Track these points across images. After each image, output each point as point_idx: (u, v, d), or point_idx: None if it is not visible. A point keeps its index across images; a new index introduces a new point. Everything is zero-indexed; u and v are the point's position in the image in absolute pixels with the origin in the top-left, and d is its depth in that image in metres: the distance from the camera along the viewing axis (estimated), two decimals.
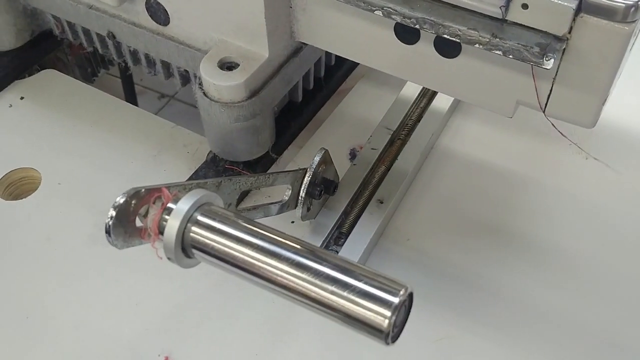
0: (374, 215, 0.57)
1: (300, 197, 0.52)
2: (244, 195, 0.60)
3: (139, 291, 0.54)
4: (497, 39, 0.42)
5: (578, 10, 0.41)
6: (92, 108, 0.70)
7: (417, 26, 0.45)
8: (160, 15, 0.60)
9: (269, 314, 0.52)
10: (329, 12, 0.52)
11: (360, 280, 0.31)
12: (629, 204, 0.60)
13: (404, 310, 0.32)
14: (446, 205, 0.60)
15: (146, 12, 0.60)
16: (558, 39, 0.42)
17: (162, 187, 0.36)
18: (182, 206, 0.35)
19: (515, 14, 0.43)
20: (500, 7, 0.43)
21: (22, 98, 0.72)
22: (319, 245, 0.55)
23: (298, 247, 0.33)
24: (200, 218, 0.35)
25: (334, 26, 0.53)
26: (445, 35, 0.44)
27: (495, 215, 0.59)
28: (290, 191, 0.51)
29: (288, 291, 0.32)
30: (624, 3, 0.40)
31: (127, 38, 0.64)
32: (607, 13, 0.40)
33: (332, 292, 0.31)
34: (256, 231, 0.34)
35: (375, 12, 0.46)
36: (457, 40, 0.44)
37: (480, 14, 0.44)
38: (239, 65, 0.55)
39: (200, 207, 0.36)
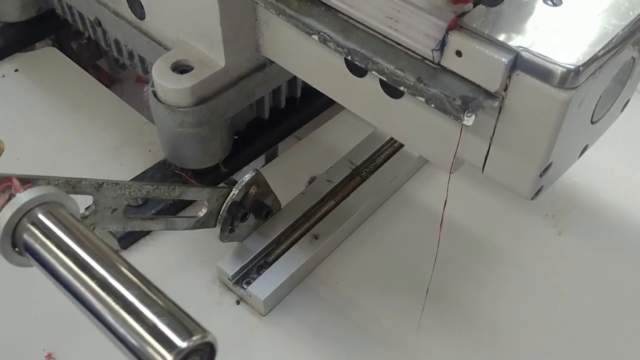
0: (304, 250, 0.53)
1: (219, 217, 0.49)
2: (186, 203, 0.57)
3: (23, 286, 0.52)
4: (422, 84, 0.38)
5: (513, 67, 0.37)
6: (77, 92, 0.70)
7: (348, 57, 0.42)
8: (137, 8, 0.58)
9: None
10: (288, 30, 0.49)
11: (157, 315, 0.28)
12: (593, 299, 0.54)
13: None
14: (390, 256, 0.56)
15: (126, 3, 0.59)
16: (490, 95, 0.38)
17: (12, 177, 0.34)
18: (20, 198, 0.33)
19: (450, 61, 0.39)
20: (432, 50, 0.39)
21: (16, 70, 0.73)
22: (236, 270, 0.52)
23: (114, 269, 0.30)
24: (40, 217, 0.33)
25: (293, 46, 0.50)
26: (373, 72, 0.41)
27: (440, 277, 0.54)
28: (206, 208, 0.49)
29: (87, 310, 0.30)
30: (563, 66, 0.35)
31: (110, 27, 0.64)
32: (544, 75, 0.36)
33: (124, 322, 0.28)
34: (84, 245, 0.32)
35: (313, 36, 0.43)
36: (384, 79, 0.40)
37: (417, 54, 0.40)
38: (193, 69, 0.53)
39: (46, 205, 0.34)
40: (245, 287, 0.51)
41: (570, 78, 0.35)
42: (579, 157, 0.45)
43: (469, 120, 0.37)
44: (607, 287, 0.54)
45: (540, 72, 0.36)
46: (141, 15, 0.59)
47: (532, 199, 0.42)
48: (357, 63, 0.41)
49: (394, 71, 0.39)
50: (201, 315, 0.51)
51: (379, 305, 0.52)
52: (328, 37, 0.42)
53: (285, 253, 0.53)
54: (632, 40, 0.38)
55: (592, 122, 0.42)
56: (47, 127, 0.66)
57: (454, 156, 0.43)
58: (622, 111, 0.48)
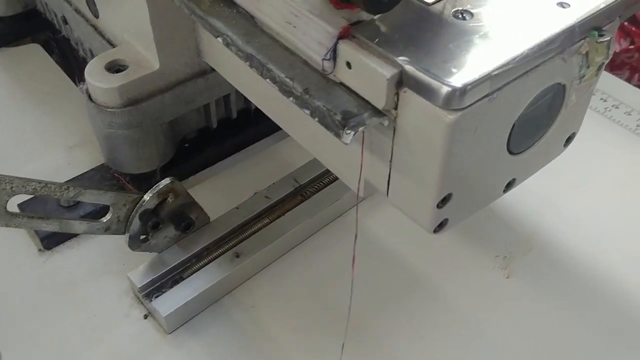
0: (222, 268, 0.50)
1: (128, 224, 0.47)
2: None
3: None
4: (307, 96, 0.35)
5: (400, 83, 0.33)
6: (46, 89, 0.70)
7: (247, 63, 0.39)
8: (91, 6, 0.57)
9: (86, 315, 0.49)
10: None
11: None
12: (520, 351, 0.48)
13: None
14: (318, 285, 0.52)
15: (85, 0, 0.58)
16: (378, 112, 0.34)
17: None
18: None
19: (341, 73, 0.35)
20: (322, 60, 0.35)
21: None
22: (146, 282, 0.49)
23: None
24: None
25: (224, 52, 0.48)
26: (267, 80, 0.38)
27: (365, 312, 0.50)
28: (111, 214, 0.46)
29: None
30: (447, 84, 0.31)
31: (73, 25, 0.63)
32: (428, 93, 0.32)
33: None
34: None
35: (218, 38, 0.40)
36: (276, 88, 0.37)
37: (314, 64, 0.37)
38: (126, 69, 0.51)
39: None
40: (151, 301, 0.49)
41: (456, 98, 0.31)
42: (506, 191, 0.41)
43: (347, 137, 0.33)
44: (538, 341, 0.48)
45: (425, 89, 0.32)
46: (96, 13, 0.58)
47: (434, 232, 0.38)
48: (255, 69, 0.38)
49: (284, 80, 0.36)
50: (104, 325, 0.49)
51: (293, 339, 0.48)
52: (230, 41, 0.39)
53: (202, 269, 0.50)
54: (546, 63, 0.34)
55: (511, 153, 0.38)
56: (7, 120, 0.66)
57: (360, 178, 0.39)
58: (566, 145, 0.43)
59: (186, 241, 0.51)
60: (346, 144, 0.33)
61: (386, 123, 0.35)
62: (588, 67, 0.37)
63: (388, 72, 0.32)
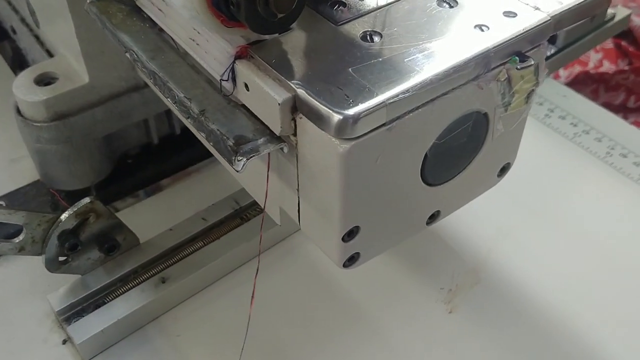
0: (145, 294, 0.47)
1: (44, 244, 0.45)
2: None
3: None
4: (203, 118, 0.33)
5: (294, 108, 0.30)
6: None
7: (151, 80, 0.37)
8: (33, 14, 0.56)
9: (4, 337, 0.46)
10: None
11: None
12: None
13: None
14: (243, 315, 0.49)
15: (27, 8, 0.57)
16: (277, 138, 0.32)
17: None
18: None
19: (242, 95, 0.33)
20: (220, 79, 0.33)
21: None
22: (65, 306, 0.47)
23: None
24: None
25: None
26: (168, 99, 0.35)
27: (301, 352, 0.47)
28: (24, 234, 0.44)
29: None
30: (338, 112, 0.28)
31: (20, 34, 0.61)
32: (320, 120, 0.29)
33: None
34: None
35: (126, 54, 0.38)
36: (175, 108, 0.35)
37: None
38: (56, 82, 0.49)
39: None
40: (69, 325, 0.46)
41: (348, 127, 0.29)
42: (430, 223, 0.38)
43: (238, 164, 0.31)
44: None
45: (317, 116, 0.29)
46: (37, 23, 0.56)
47: (344, 266, 0.35)
48: (157, 87, 0.36)
49: (182, 99, 0.34)
50: (20, 350, 0.47)
51: None
52: (136, 56, 0.37)
53: (125, 294, 0.48)
54: (457, 90, 0.31)
55: (429, 184, 0.35)
56: None
57: (264, 205, 0.37)
58: (501, 176, 0.40)
59: (112, 264, 0.49)
60: (237, 171, 0.31)
61: (286, 150, 0.32)
62: (513, 94, 0.34)
63: (281, 96, 0.30)
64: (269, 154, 0.34)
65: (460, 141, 0.34)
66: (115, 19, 0.39)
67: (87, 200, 0.45)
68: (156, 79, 0.36)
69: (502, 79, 0.33)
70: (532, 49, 0.33)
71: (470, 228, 0.54)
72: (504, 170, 0.40)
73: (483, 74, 0.32)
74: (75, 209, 0.45)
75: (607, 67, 1.08)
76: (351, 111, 0.28)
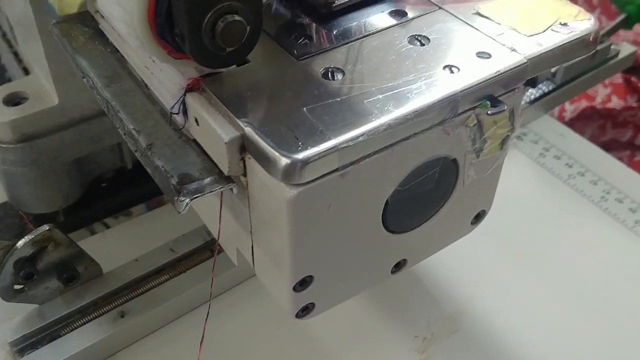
0: (102, 328, 0.45)
1: None
2: None
3: None
4: (150, 152, 0.31)
5: (243, 148, 0.28)
6: None
7: (105, 108, 0.35)
8: (10, 30, 0.54)
9: None
10: None
11: None
12: None
13: None
14: (215, 353, 0.46)
15: (8, 25, 0.55)
16: (226, 178, 0.30)
17: None
18: None
19: (193, 129, 0.31)
20: (170, 113, 0.31)
21: None
22: (18, 337, 0.45)
23: None
24: None
25: None
26: (119, 129, 0.33)
27: None
28: None
29: None
30: (286, 156, 0.26)
31: (1, 51, 0.60)
32: (267, 163, 0.27)
33: None
34: None
35: (84, 79, 0.36)
36: (125, 139, 0.33)
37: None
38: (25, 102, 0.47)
39: None
40: (22, 358, 0.44)
41: (296, 172, 0.26)
42: (396, 272, 0.36)
43: (180, 205, 0.29)
44: None
45: (264, 159, 0.27)
46: (15, 39, 0.54)
47: (297, 317, 0.33)
48: (110, 116, 0.34)
49: (131, 131, 0.32)
50: None
51: None
52: (92, 83, 0.35)
53: (82, 327, 0.45)
54: (420, 135, 0.29)
55: (392, 232, 0.33)
56: None
57: (217, 244, 0.35)
58: (475, 224, 0.38)
59: (71, 294, 0.47)
60: (179, 212, 0.29)
61: (235, 191, 0.30)
62: (485, 140, 0.32)
63: (228, 134, 0.28)
64: (221, 192, 0.32)
65: (426, 187, 0.32)
66: (76, 42, 0.38)
67: (45, 228, 0.43)
68: (109, 108, 0.34)
69: (471, 125, 0.31)
70: (507, 93, 0.31)
71: (451, 272, 0.52)
72: (478, 217, 0.37)
73: (450, 119, 0.30)
74: (32, 237, 0.43)
75: (616, 102, 1.05)
76: (300, 155, 0.26)
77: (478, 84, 0.30)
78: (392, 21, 0.34)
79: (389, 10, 0.35)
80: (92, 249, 0.47)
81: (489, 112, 0.30)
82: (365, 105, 0.28)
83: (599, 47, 0.70)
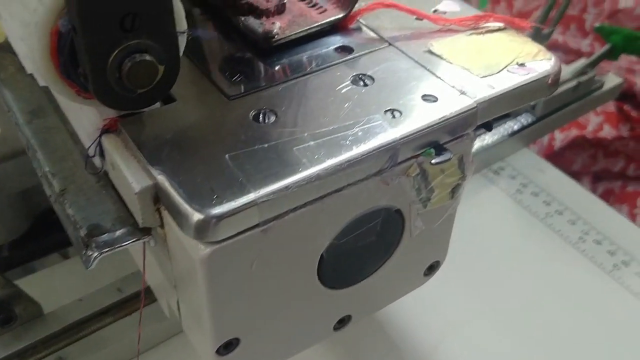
0: None
1: None
2: None
3: None
4: (62, 198, 0.28)
5: (157, 198, 0.26)
6: None
7: (25, 147, 0.32)
8: None
9: None
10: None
11: None
12: None
13: None
14: None
15: None
16: (143, 230, 0.27)
17: None
18: None
19: (111, 174, 0.28)
20: (86, 154, 0.28)
21: None
22: None
23: None
24: None
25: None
26: (37, 169, 0.31)
27: None
28: None
29: None
30: (198, 210, 0.24)
31: None
32: (179, 217, 0.24)
33: None
34: None
35: (9, 113, 0.34)
36: (42, 182, 0.30)
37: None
38: None
39: None
40: None
41: (210, 229, 0.24)
42: (340, 328, 0.33)
43: (88, 260, 0.26)
44: None
45: (176, 212, 0.24)
46: None
47: None
48: (30, 155, 0.32)
49: (46, 174, 0.29)
50: None
51: None
52: (15, 118, 0.33)
53: None
54: (355, 186, 0.27)
55: (331, 287, 0.30)
56: None
57: (142, 298, 0.32)
58: (429, 275, 0.35)
59: (9, 337, 0.44)
60: (86, 268, 0.26)
61: (152, 244, 0.27)
62: (432, 190, 0.29)
63: (139, 183, 0.25)
64: (144, 242, 0.29)
65: (368, 240, 0.29)
66: (5, 72, 0.35)
67: None
68: (28, 146, 0.31)
69: (414, 174, 0.28)
70: (454, 139, 0.29)
71: (416, 318, 0.49)
72: (432, 268, 0.35)
73: (388, 168, 0.27)
74: None
75: (608, 131, 1.03)
76: (213, 210, 0.24)
77: (421, 130, 0.27)
78: (338, 58, 0.31)
79: (336, 46, 0.32)
80: (34, 287, 0.45)
81: (433, 161, 0.28)
82: (294, 153, 0.26)
83: (582, 79, 0.68)
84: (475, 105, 0.28)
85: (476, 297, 0.51)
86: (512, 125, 0.64)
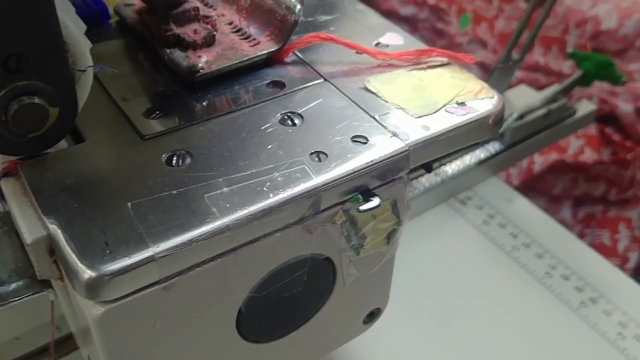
0: None
1: None
2: None
3: None
4: None
5: (53, 250, 0.23)
6: None
7: None
8: None
9: None
10: None
11: None
12: None
13: None
14: None
15: None
16: (39, 282, 0.25)
17: None
18: None
19: (14, 221, 0.26)
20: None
21: None
22: None
23: None
24: None
25: None
26: None
27: None
28: None
29: None
30: (88, 267, 0.21)
31: None
32: (70, 273, 0.22)
33: None
34: None
35: None
36: None
37: None
38: None
39: None
40: None
41: (101, 287, 0.22)
42: None
43: None
44: None
45: (67, 268, 0.22)
46: None
47: None
48: None
49: None
50: None
51: None
52: None
53: None
54: (272, 236, 0.24)
55: (255, 342, 0.28)
56: None
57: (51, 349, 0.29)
58: (370, 323, 0.33)
59: None
60: None
61: (52, 297, 0.25)
62: (363, 236, 0.27)
63: (32, 233, 0.23)
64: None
65: (294, 290, 0.27)
66: None
67: None
68: None
69: (340, 222, 0.26)
70: (386, 183, 0.27)
71: (374, 354, 0.46)
72: (372, 315, 0.33)
73: (311, 217, 0.25)
74: None
75: (589, 155, 1.01)
76: (104, 267, 0.21)
77: (347, 175, 0.25)
78: (268, 94, 0.29)
79: (268, 81, 0.30)
80: None
81: (360, 207, 0.26)
82: (204, 201, 0.24)
83: (552, 106, 0.66)
84: (407, 148, 0.26)
85: (438, 332, 0.48)
86: (479, 153, 0.63)
